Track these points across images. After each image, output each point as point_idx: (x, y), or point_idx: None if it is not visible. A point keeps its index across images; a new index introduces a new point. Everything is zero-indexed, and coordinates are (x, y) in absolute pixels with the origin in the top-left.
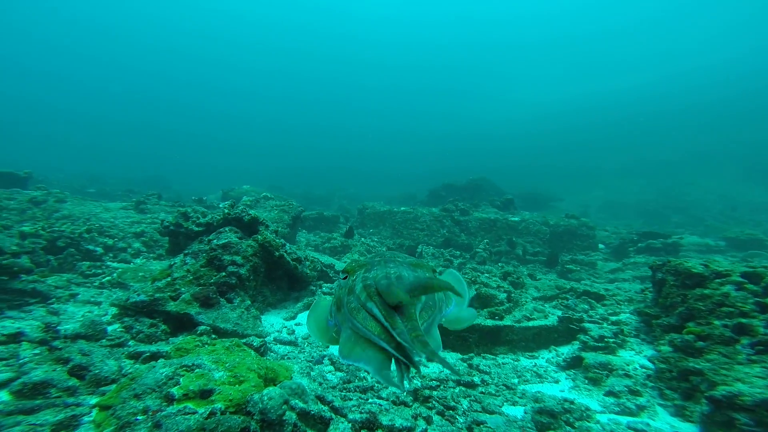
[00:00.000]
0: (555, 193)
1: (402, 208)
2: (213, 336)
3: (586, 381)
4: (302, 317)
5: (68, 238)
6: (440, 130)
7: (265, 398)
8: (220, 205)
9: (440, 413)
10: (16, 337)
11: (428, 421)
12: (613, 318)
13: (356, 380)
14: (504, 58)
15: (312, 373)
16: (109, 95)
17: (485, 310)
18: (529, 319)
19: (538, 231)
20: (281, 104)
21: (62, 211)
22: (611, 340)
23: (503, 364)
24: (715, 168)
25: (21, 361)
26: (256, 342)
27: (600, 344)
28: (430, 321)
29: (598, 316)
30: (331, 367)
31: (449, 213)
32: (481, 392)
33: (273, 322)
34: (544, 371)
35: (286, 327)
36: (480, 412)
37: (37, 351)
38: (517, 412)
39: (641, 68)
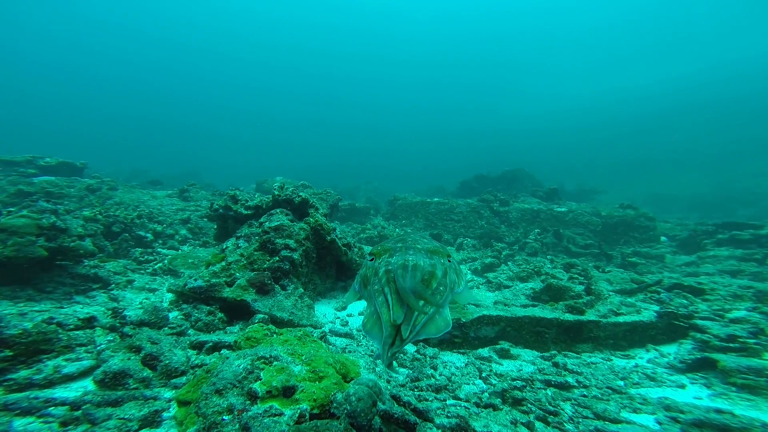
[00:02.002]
0: (597, 186)
1: (435, 199)
2: (269, 325)
3: (734, 388)
4: (353, 308)
5: (122, 223)
6: (469, 125)
7: (353, 399)
8: (256, 195)
9: (541, 419)
10: (90, 322)
11: (529, 427)
12: (729, 315)
13: (425, 378)
14: (534, 52)
15: (377, 369)
16: (145, 97)
17: (561, 303)
18: (617, 314)
19: (587, 222)
20: (307, 103)
21: (114, 198)
22: (751, 340)
23: (593, 363)
24: None
25: (98, 348)
26: (316, 333)
27: (732, 345)
28: (442, 302)
29: (705, 313)
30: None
31: (487, 203)
32: (583, 395)
33: (325, 312)
34: (653, 372)
35: (339, 318)
36: (593, 419)
37: (110, 337)
38: (644, 420)
39: (685, 57)
